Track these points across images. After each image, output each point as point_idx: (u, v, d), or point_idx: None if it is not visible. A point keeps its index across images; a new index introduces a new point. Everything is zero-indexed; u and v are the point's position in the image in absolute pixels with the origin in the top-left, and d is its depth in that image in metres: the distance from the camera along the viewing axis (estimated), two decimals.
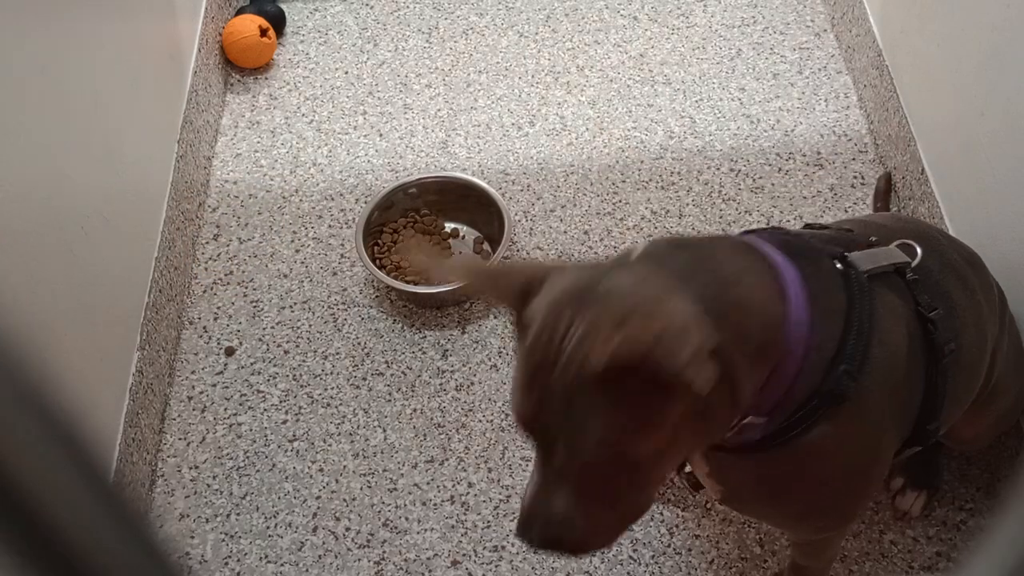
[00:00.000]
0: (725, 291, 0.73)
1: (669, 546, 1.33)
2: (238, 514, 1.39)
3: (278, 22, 2.03)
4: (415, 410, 1.49)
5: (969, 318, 0.97)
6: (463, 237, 1.69)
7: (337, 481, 1.42)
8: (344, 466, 1.43)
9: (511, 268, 0.79)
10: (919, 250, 0.91)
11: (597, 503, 0.72)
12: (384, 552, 1.35)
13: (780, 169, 1.77)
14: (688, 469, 1.03)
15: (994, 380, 1.10)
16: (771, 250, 0.80)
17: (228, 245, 1.71)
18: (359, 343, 1.57)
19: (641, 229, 1.68)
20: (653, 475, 0.74)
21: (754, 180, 1.75)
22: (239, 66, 1.98)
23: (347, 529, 1.37)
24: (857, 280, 0.84)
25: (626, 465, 0.71)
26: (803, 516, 1.00)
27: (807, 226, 1.03)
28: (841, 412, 0.82)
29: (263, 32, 1.93)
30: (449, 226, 1.69)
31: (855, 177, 1.75)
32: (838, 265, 0.85)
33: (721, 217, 1.70)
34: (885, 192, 1.67)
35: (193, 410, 1.51)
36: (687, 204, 1.72)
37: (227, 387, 1.53)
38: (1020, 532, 0.19)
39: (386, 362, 1.55)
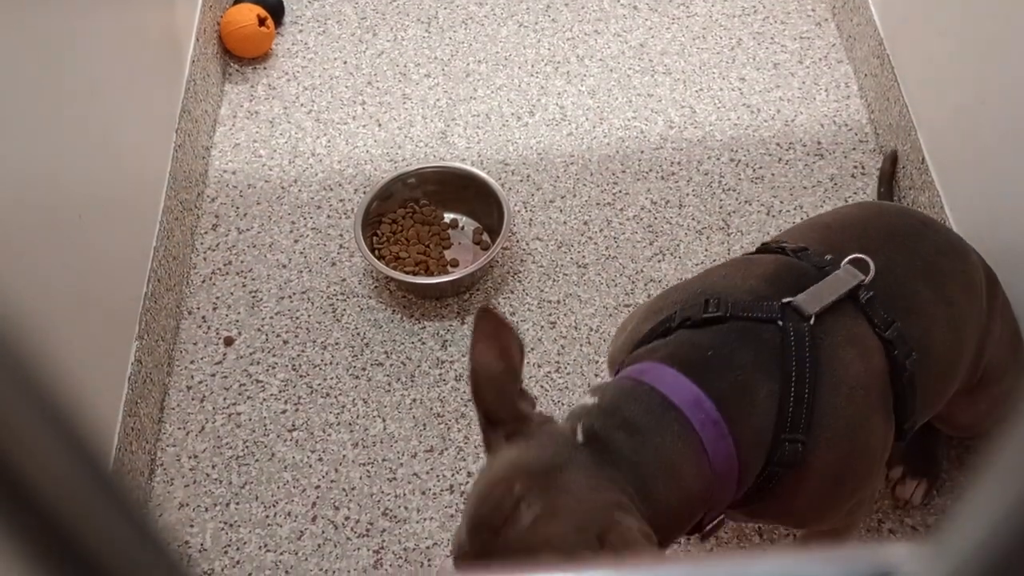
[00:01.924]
0: (664, 484, 0.80)
1: None
2: (237, 503, 1.40)
3: (277, 11, 2.02)
4: (414, 400, 1.49)
5: (940, 313, 0.97)
6: (462, 228, 1.68)
7: (336, 470, 1.42)
8: (343, 456, 1.44)
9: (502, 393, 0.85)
10: (872, 265, 0.92)
11: None
12: (383, 541, 1.35)
13: (780, 159, 1.77)
14: None
15: (984, 364, 1.10)
16: (683, 391, 0.83)
17: (227, 235, 1.71)
18: (358, 333, 1.57)
19: (641, 219, 1.68)
20: None
21: (754, 170, 1.75)
22: (237, 56, 1.97)
23: (346, 518, 1.38)
24: (797, 336, 0.86)
25: None
26: (804, 523, 1.07)
27: (763, 245, 1.04)
28: (802, 471, 0.87)
29: (261, 21, 1.93)
30: (448, 216, 1.69)
31: (855, 167, 1.75)
32: (779, 322, 0.87)
33: (721, 207, 1.70)
34: (890, 174, 1.66)
35: (192, 400, 1.51)
36: (687, 194, 1.72)
37: (226, 377, 1.53)
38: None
39: (385, 352, 1.55)
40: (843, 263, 0.93)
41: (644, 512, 0.77)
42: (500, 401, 0.84)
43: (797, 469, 0.86)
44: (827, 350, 0.87)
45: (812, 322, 0.87)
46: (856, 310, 0.91)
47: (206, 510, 1.39)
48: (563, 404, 1.47)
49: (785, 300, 0.89)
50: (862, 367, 0.89)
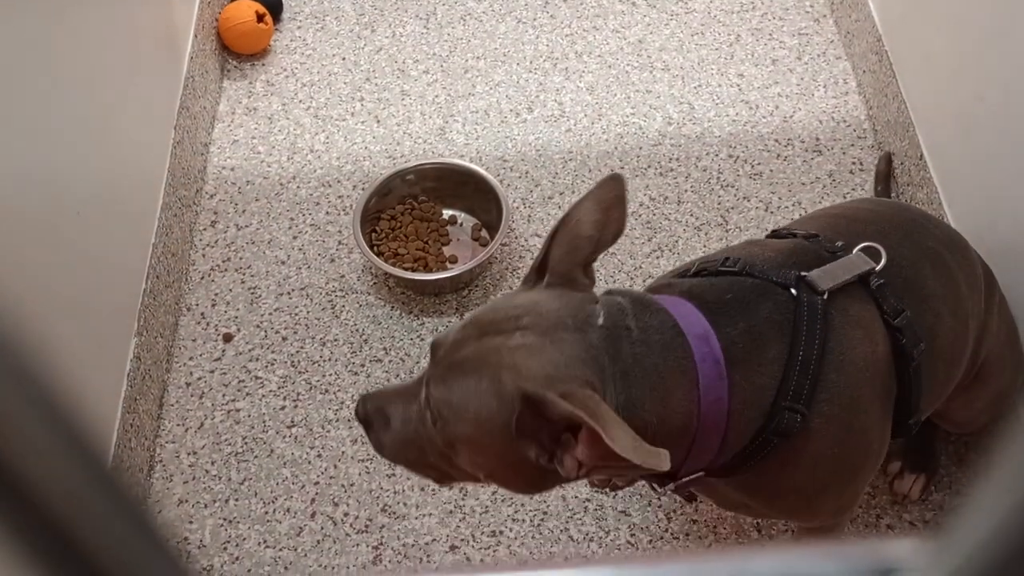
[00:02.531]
0: (648, 402, 0.79)
1: (667, 531, 1.33)
2: (236, 499, 1.40)
3: (275, 8, 2.02)
4: None
5: (946, 306, 0.97)
6: (461, 224, 1.68)
7: (335, 467, 1.42)
8: (342, 452, 1.44)
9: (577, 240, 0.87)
10: (884, 252, 0.92)
11: (411, 447, 0.87)
12: (382, 537, 1.35)
13: (779, 155, 1.77)
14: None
15: (981, 360, 1.11)
16: (695, 325, 0.83)
17: (226, 232, 1.71)
18: (357, 330, 1.57)
19: (639, 215, 1.68)
20: (458, 475, 0.88)
21: (753, 166, 1.75)
22: (236, 52, 1.97)
23: (345, 514, 1.38)
24: (810, 307, 0.85)
25: (449, 450, 0.83)
26: (792, 515, 1.06)
27: (774, 232, 1.03)
28: (797, 443, 0.85)
29: (260, 18, 1.93)
30: (447, 213, 1.69)
31: (854, 163, 1.75)
32: (792, 291, 0.87)
33: (719, 203, 1.70)
34: (886, 174, 1.66)
35: (191, 396, 1.51)
36: (685, 190, 1.72)
37: (225, 373, 1.53)
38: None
39: (384, 349, 1.55)
40: (855, 250, 0.93)
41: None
42: (564, 257, 0.85)
43: (792, 442, 0.85)
44: (836, 328, 0.86)
45: (825, 298, 0.87)
46: (867, 295, 0.90)
47: (205, 506, 1.39)
48: None
49: (800, 273, 0.88)
50: (868, 350, 0.88)
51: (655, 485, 0.93)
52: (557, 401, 0.72)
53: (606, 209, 0.86)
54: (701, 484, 0.96)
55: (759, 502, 0.96)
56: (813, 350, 0.84)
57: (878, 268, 0.91)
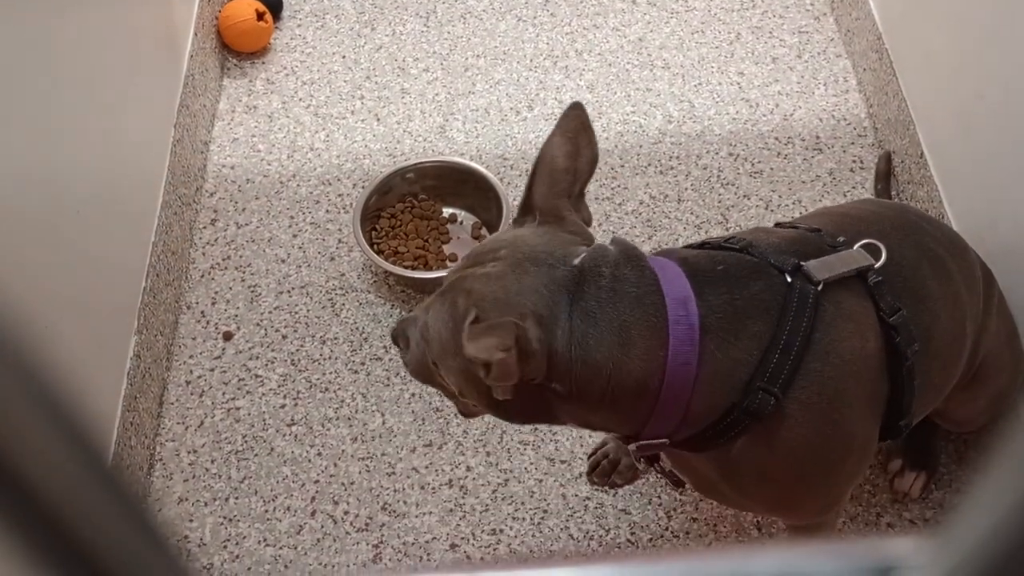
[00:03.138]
0: (604, 348, 0.82)
1: (667, 529, 1.33)
2: (236, 498, 1.40)
3: (275, 6, 2.02)
4: (413, 394, 1.49)
5: (944, 308, 0.97)
6: (461, 222, 1.68)
7: (335, 465, 1.42)
8: (342, 450, 1.44)
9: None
10: (884, 250, 0.92)
11: (422, 367, 0.95)
12: (382, 536, 1.35)
13: (779, 153, 1.77)
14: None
15: (980, 360, 1.10)
16: (677, 288, 0.84)
17: (225, 230, 1.71)
18: (357, 328, 1.57)
19: (639, 214, 1.68)
20: (453, 397, 0.96)
21: (753, 164, 1.75)
22: (236, 50, 1.97)
23: (345, 513, 1.38)
24: (801, 293, 0.85)
25: (436, 369, 0.91)
26: (773, 508, 1.05)
27: (778, 225, 1.04)
28: (768, 426, 0.85)
29: (260, 16, 1.92)
30: (447, 211, 1.69)
31: (854, 161, 1.75)
32: (787, 278, 0.87)
33: (720, 201, 1.69)
34: (886, 173, 1.66)
35: (191, 394, 1.51)
36: (686, 188, 1.72)
37: (225, 372, 1.53)
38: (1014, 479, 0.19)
39: (384, 347, 1.55)
40: (856, 246, 0.93)
41: (565, 357, 0.81)
42: (547, 194, 0.89)
43: (765, 425, 0.85)
44: (826, 319, 0.86)
45: (820, 288, 0.87)
46: (864, 291, 0.90)
47: (205, 505, 1.39)
48: None
49: (798, 261, 0.88)
50: (857, 345, 0.88)
51: (640, 458, 0.96)
52: (466, 323, 0.79)
53: (573, 138, 0.89)
54: (677, 460, 0.97)
55: (732, 486, 0.94)
56: (797, 336, 0.84)
57: (877, 265, 0.91)
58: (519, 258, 0.84)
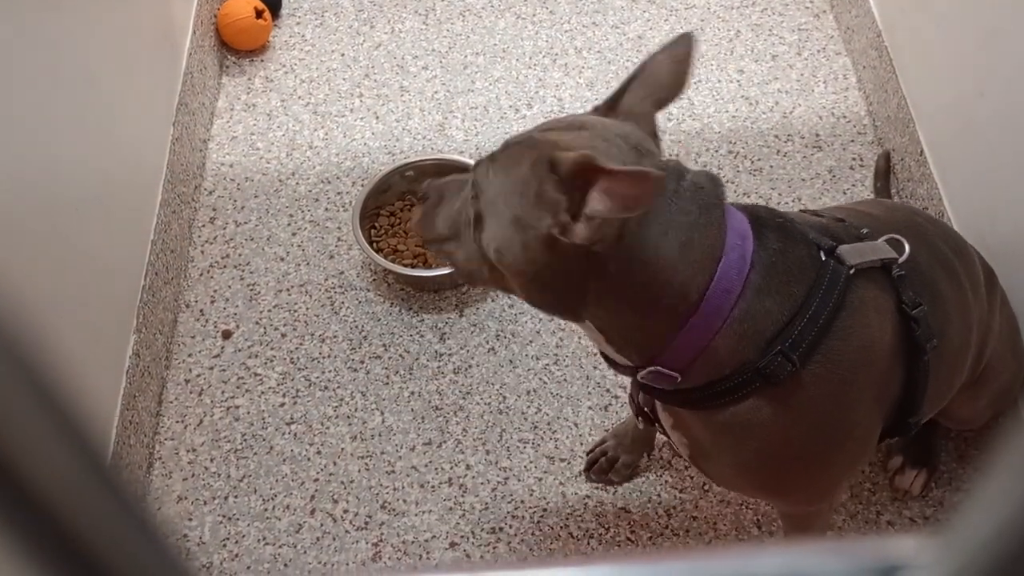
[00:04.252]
0: (670, 233, 0.82)
1: (667, 527, 1.33)
2: (236, 496, 1.40)
3: (274, 4, 2.01)
4: (413, 393, 1.49)
5: (954, 309, 0.98)
6: None
7: (335, 464, 1.42)
8: (342, 449, 1.44)
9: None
10: (907, 246, 0.92)
11: (448, 221, 0.94)
12: (382, 534, 1.35)
13: (779, 151, 1.77)
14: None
15: (984, 361, 1.11)
16: (739, 223, 0.85)
17: (224, 228, 1.71)
18: (356, 326, 1.57)
19: None
20: (472, 257, 0.91)
21: (752, 162, 1.75)
22: (235, 48, 1.97)
23: (345, 511, 1.38)
24: (834, 272, 0.85)
25: (477, 224, 0.88)
26: (764, 486, 1.03)
27: (801, 211, 1.04)
28: (779, 393, 0.85)
29: (259, 14, 1.92)
30: None
31: (854, 159, 1.75)
32: (822, 256, 0.87)
33: None
34: (885, 172, 1.66)
35: (190, 393, 1.51)
36: None
37: (224, 370, 1.53)
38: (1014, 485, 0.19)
39: (384, 345, 1.54)
40: (880, 239, 0.93)
41: (635, 232, 0.80)
42: (642, 97, 0.90)
43: (774, 391, 0.84)
44: (853, 303, 0.87)
45: (851, 272, 0.87)
46: (887, 284, 0.90)
47: (204, 503, 1.39)
48: (561, 396, 1.47)
49: (833, 244, 0.89)
50: (876, 334, 0.88)
51: (640, 414, 0.96)
52: (566, 156, 0.77)
53: (679, 61, 0.91)
54: (677, 424, 0.96)
55: (730, 455, 0.93)
56: (824, 310, 0.84)
57: (901, 260, 0.91)
58: (608, 136, 0.84)
